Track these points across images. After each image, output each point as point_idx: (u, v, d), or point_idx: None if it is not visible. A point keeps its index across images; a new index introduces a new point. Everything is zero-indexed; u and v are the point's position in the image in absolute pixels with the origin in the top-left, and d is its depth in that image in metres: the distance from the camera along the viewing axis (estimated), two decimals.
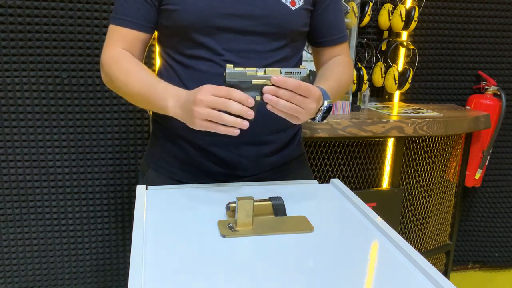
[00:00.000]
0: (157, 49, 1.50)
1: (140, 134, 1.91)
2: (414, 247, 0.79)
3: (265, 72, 0.85)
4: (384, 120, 1.81)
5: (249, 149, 1.05)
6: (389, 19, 2.02)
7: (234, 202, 0.83)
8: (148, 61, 1.82)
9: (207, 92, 0.83)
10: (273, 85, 0.85)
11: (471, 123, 2.01)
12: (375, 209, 0.91)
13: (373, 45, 2.11)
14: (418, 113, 1.96)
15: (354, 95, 2.02)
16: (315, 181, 1.10)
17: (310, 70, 0.89)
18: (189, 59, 1.01)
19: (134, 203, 0.92)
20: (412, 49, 2.15)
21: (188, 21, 0.97)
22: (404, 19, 1.98)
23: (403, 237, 0.79)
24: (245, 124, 0.84)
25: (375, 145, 1.96)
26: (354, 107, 1.97)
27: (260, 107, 0.87)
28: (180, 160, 1.08)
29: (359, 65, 2.02)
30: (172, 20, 0.99)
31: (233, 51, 0.99)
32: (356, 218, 0.89)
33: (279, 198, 0.88)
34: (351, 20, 1.89)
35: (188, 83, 1.01)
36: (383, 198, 1.97)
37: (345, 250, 0.77)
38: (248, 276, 0.68)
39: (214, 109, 0.83)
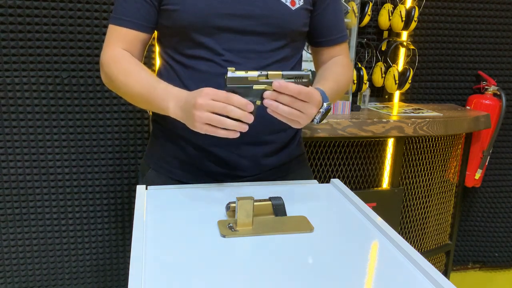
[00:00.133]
0: (157, 49, 1.50)
1: (140, 134, 1.91)
2: (414, 247, 0.79)
3: (267, 76, 0.84)
4: (384, 120, 1.81)
5: (249, 149, 1.05)
6: (389, 19, 2.02)
7: (234, 202, 0.83)
8: (148, 61, 1.82)
9: (207, 97, 0.83)
10: (274, 90, 0.85)
11: (471, 123, 2.01)
12: (375, 209, 0.91)
13: (373, 45, 2.11)
14: (418, 113, 1.96)
15: (354, 95, 2.02)
16: (315, 181, 1.09)
17: (311, 71, 0.89)
18: (189, 59, 1.01)
19: (134, 203, 0.92)
20: (412, 49, 2.15)
21: (188, 21, 0.97)
22: (404, 19, 1.98)
23: (403, 237, 0.79)
24: (245, 128, 0.85)
25: (375, 145, 1.96)
26: (354, 107, 1.97)
27: (260, 108, 0.87)
28: (180, 160, 1.08)
29: (359, 65, 2.02)
30: (172, 20, 0.99)
31: (233, 51, 0.99)
32: (356, 218, 0.89)
33: (279, 198, 0.88)
34: (351, 20, 1.89)
35: (188, 83, 1.01)
36: (383, 198, 1.97)
37: (345, 250, 0.77)
38: (248, 276, 0.68)
39: (214, 113, 0.83)
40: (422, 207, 2.12)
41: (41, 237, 1.90)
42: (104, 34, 1.60)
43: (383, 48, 2.11)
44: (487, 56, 2.28)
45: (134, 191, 1.15)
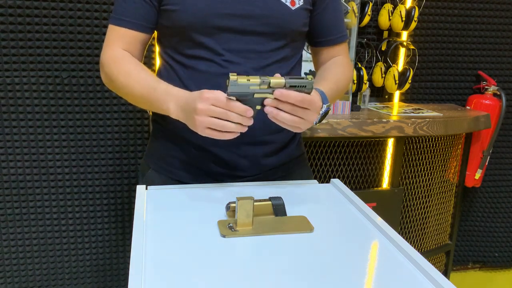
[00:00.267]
0: (157, 49, 1.50)
1: (140, 134, 1.91)
2: (414, 247, 0.79)
3: (269, 84, 0.83)
4: (384, 120, 1.81)
5: (249, 149, 1.05)
6: (389, 19, 2.02)
7: (234, 202, 0.83)
8: (148, 61, 1.82)
9: (207, 101, 0.83)
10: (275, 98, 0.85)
11: (471, 123, 2.01)
12: (375, 209, 0.92)
13: (373, 45, 2.11)
14: (418, 113, 1.96)
15: (354, 95, 2.02)
16: (315, 181, 1.10)
17: (311, 71, 0.89)
18: (189, 59, 1.01)
19: (134, 203, 0.92)
20: (412, 49, 2.15)
21: (187, 21, 0.97)
22: (404, 19, 1.98)
23: (403, 237, 0.79)
24: (244, 129, 0.86)
25: (375, 145, 1.96)
26: (354, 107, 1.97)
27: (260, 110, 0.87)
28: (180, 160, 1.08)
29: (359, 65, 2.02)
30: (171, 21, 0.99)
31: (233, 51, 0.99)
32: (356, 218, 0.89)
33: (279, 198, 0.88)
34: (351, 20, 1.89)
35: (188, 83, 1.01)
36: (383, 198, 1.97)
37: (345, 250, 0.77)
38: (248, 276, 0.68)
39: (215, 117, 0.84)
40: (422, 207, 2.12)
41: (41, 237, 1.90)
42: (104, 34, 1.60)
43: (383, 48, 2.11)
44: (487, 56, 2.28)
45: (134, 191, 1.15)
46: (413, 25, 2.00)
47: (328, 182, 1.08)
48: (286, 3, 1.00)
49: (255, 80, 0.83)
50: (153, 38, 1.09)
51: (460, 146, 2.18)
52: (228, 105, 0.82)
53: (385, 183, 2.01)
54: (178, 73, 1.03)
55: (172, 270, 0.68)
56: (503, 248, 2.55)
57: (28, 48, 1.71)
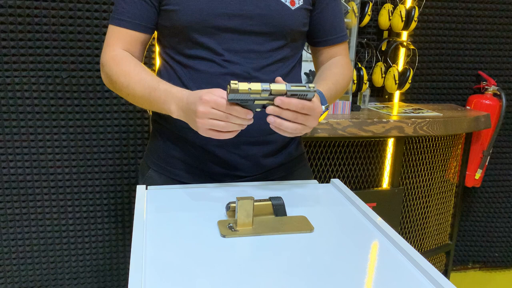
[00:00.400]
0: (157, 49, 1.50)
1: (140, 134, 1.91)
2: (414, 247, 0.79)
3: (270, 93, 0.82)
4: (384, 120, 1.81)
5: (249, 149, 1.05)
6: (389, 19, 2.02)
7: (234, 202, 0.83)
8: (148, 61, 1.82)
9: (208, 105, 0.83)
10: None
11: (471, 123, 2.01)
12: (375, 209, 0.92)
13: (373, 45, 2.11)
14: (418, 113, 1.96)
15: (354, 95, 2.02)
16: (315, 181, 1.09)
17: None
18: (189, 59, 1.01)
19: (134, 203, 0.92)
20: (412, 49, 2.15)
21: (187, 21, 0.97)
22: (404, 19, 1.98)
23: (403, 237, 0.79)
24: (244, 127, 0.87)
25: (375, 145, 1.96)
26: (354, 107, 1.97)
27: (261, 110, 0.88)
28: (180, 160, 1.08)
29: (359, 65, 2.02)
30: (171, 21, 0.99)
31: (232, 51, 0.99)
32: (356, 218, 0.89)
33: (279, 198, 0.88)
34: (351, 20, 1.89)
35: (188, 83, 1.01)
36: (383, 198, 1.97)
37: (345, 250, 0.77)
38: (248, 276, 0.68)
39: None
40: (422, 207, 2.12)
41: (41, 237, 1.90)
42: (104, 34, 1.60)
43: (383, 48, 2.11)
44: (487, 56, 2.28)
45: (134, 191, 1.15)
46: (413, 25, 2.00)
47: (328, 182, 1.08)
48: (286, 3, 1.00)
49: (256, 88, 0.82)
50: (153, 38, 1.10)
51: (460, 146, 2.18)
52: (228, 109, 0.83)
53: (385, 183, 2.01)
54: (178, 73, 1.03)
55: (172, 270, 0.68)
56: (503, 248, 2.55)
57: (28, 48, 1.71)
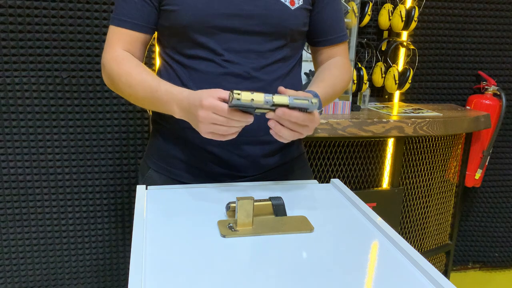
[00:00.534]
0: (157, 49, 1.50)
1: (140, 134, 1.91)
2: (414, 247, 0.79)
3: (273, 104, 0.83)
4: (384, 120, 1.81)
5: (249, 149, 1.05)
6: (389, 19, 2.02)
7: (234, 202, 0.83)
8: (148, 61, 1.82)
9: (209, 110, 0.83)
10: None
11: (471, 123, 2.01)
12: (375, 209, 0.92)
13: (373, 45, 2.11)
14: (418, 113, 1.96)
15: (354, 95, 2.02)
16: (315, 181, 1.09)
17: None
18: (189, 59, 1.01)
19: (134, 203, 0.92)
20: (412, 49, 2.15)
21: (187, 21, 0.97)
22: (404, 19, 1.98)
23: (403, 237, 0.79)
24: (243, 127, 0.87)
25: (375, 145, 1.96)
26: (354, 107, 1.97)
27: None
28: (180, 160, 1.08)
29: (359, 65, 2.02)
30: (171, 21, 0.99)
31: (232, 51, 0.99)
32: (356, 218, 0.89)
33: (279, 198, 0.88)
34: (351, 20, 1.89)
35: (188, 83, 1.01)
36: (383, 198, 1.97)
37: (345, 250, 0.77)
38: (248, 276, 0.68)
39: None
40: (422, 207, 2.12)
41: (41, 237, 1.90)
42: (104, 34, 1.60)
43: (383, 48, 2.11)
44: (487, 56, 2.28)
45: (134, 191, 1.15)
46: (413, 25, 2.00)
47: (328, 182, 1.08)
48: (286, 3, 1.00)
49: (259, 99, 0.81)
50: (153, 38, 1.10)
51: (460, 146, 2.18)
52: (229, 114, 0.83)
53: (385, 183, 2.01)
54: (178, 73, 1.03)
55: (172, 270, 0.68)
56: (503, 248, 2.55)
57: (28, 48, 1.71)
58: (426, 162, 2.06)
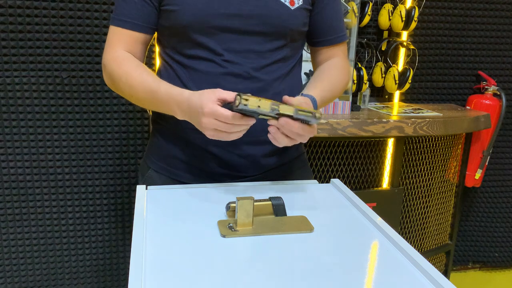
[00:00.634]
0: (157, 49, 1.50)
1: (140, 134, 1.91)
2: (414, 247, 0.79)
3: (277, 113, 0.84)
4: (384, 120, 1.81)
5: (249, 149, 1.05)
6: (389, 19, 2.02)
7: (234, 202, 0.83)
8: (148, 61, 1.82)
9: (211, 116, 0.84)
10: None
11: (471, 123, 2.01)
12: (375, 209, 0.92)
13: (373, 45, 2.11)
14: (418, 113, 1.96)
15: (354, 95, 2.02)
16: (315, 181, 1.10)
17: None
18: (189, 59, 1.01)
19: (134, 203, 0.92)
20: (412, 49, 2.15)
21: (187, 21, 0.97)
22: (404, 19, 1.98)
23: (403, 237, 0.79)
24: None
25: (375, 145, 1.96)
26: (354, 107, 1.97)
27: None
28: (180, 160, 1.08)
29: (359, 65, 2.02)
30: (171, 21, 0.99)
31: (232, 51, 0.99)
32: (356, 218, 0.89)
33: (279, 198, 0.88)
34: (351, 20, 1.89)
35: (188, 83, 1.01)
36: (383, 198, 1.97)
37: (345, 250, 0.77)
38: (248, 276, 0.68)
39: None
40: (422, 207, 2.12)
41: (41, 237, 1.90)
42: (104, 34, 1.60)
43: (383, 48, 2.11)
44: (487, 56, 2.28)
45: (134, 191, 1.15)
46: (413, 25, 2.00)
47: (328, 182, 1.08)
48: (285, 3, 1.00)
49: (265, 107, 0.82)
50: (153, 39, 1.10)
51: (460, 146, 2.18)
52: (232, 119, 0.83)
53: (385, 183, 2.01)
54: (178, 73, 1.03)
55: (172, 270, 0.68)
56: (503, 248, 2.55)
57: (28, 48, 1.71)
58: (426, 162, 2.06)
